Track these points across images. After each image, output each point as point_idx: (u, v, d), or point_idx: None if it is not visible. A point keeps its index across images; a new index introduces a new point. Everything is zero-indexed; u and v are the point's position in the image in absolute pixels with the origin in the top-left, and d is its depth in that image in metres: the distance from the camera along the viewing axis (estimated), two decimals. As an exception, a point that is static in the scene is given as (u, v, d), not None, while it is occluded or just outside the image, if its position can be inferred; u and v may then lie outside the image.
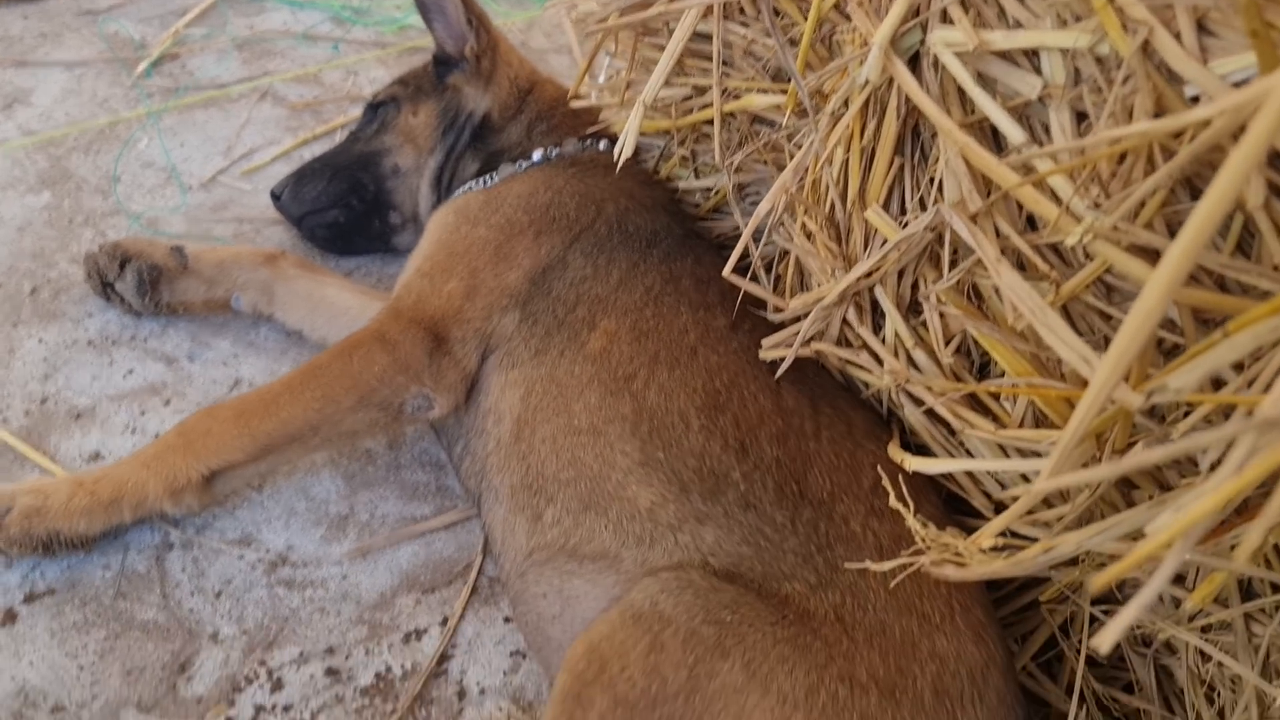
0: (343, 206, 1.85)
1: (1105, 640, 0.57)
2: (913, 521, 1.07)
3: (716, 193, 1.67)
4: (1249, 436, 0.59)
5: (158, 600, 1.41)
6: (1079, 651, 1.31)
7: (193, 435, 1.40)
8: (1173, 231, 0.97)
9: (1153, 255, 0.95)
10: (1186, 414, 1.02)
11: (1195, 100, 0.93)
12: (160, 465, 1.39)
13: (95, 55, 2.33)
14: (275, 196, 1.90)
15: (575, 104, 1.70)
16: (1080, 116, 1.03)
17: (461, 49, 1.81)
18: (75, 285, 1.79)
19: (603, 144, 1.70)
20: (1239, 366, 0.98)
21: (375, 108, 1.91)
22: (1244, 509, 0.98)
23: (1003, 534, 1.13)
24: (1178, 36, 0.91)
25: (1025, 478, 1.24)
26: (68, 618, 1.37)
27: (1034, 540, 1.11)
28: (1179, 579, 1.19)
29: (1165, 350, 1.04)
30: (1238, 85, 0.89)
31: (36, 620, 1.36)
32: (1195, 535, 0.59)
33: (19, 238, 1.87)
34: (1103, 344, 1.07)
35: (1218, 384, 1.01)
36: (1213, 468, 0.98)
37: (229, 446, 1.39)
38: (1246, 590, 1.17)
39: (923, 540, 1.06)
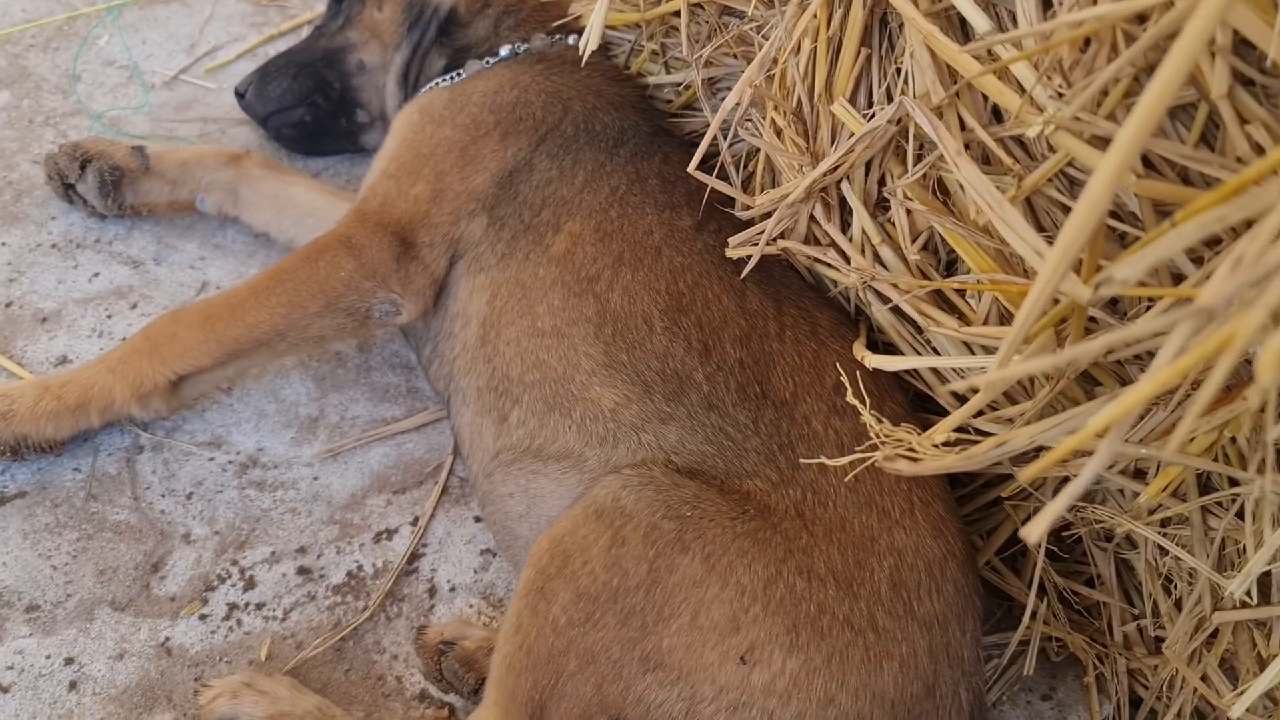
0: (308, 105, 1.81)
1: (1033, 532, 0.57)
2: (868, 416, 1.07)
3: (687, 88, 1.63)
4: (1185, 325, 0.58)
5: (129, 502, 1.42)
6: (1040, 546, 1.32)
7: (158, 339, 1.39)
8: (1137, 122, 0.95)
9: (1115, 146, 0.93)
10: (1149, 308, 1.01)
11: (1162, -16, 0.90)
12: (126, 369, 1.39)
13: (52, -51, 2.25)
14: (240, 95, 1.86)
15: (543, -2, 1.65)
16: (1047, 4, 1.00)
17: None
18: (38, 187, 1.77)
19: (571, 39, 1.65)
20: (1198, 260, 0.98)
21: (339, 0, 1.86)
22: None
23: (964, 430, 1.13)
24: (1146, -83, 0.88)
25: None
26: (39, 519, 1.38)
27: (993, 435, 1.11)
28: (1139, 474, 1.20)
29: (1127, 243, 1.03)
30: (1205, -32, 0.86)
31: (8, 522, 1.37)
32: (1126, 426, 0.59)
33: (-22, 139, 1.83)
34: (1064, 238, 1.06)
35: (1179, 278, 1.00)
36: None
37: (195, 351, 1.38)
38: (1205, 484, 1.17)
39: (876, 435, 1.06)
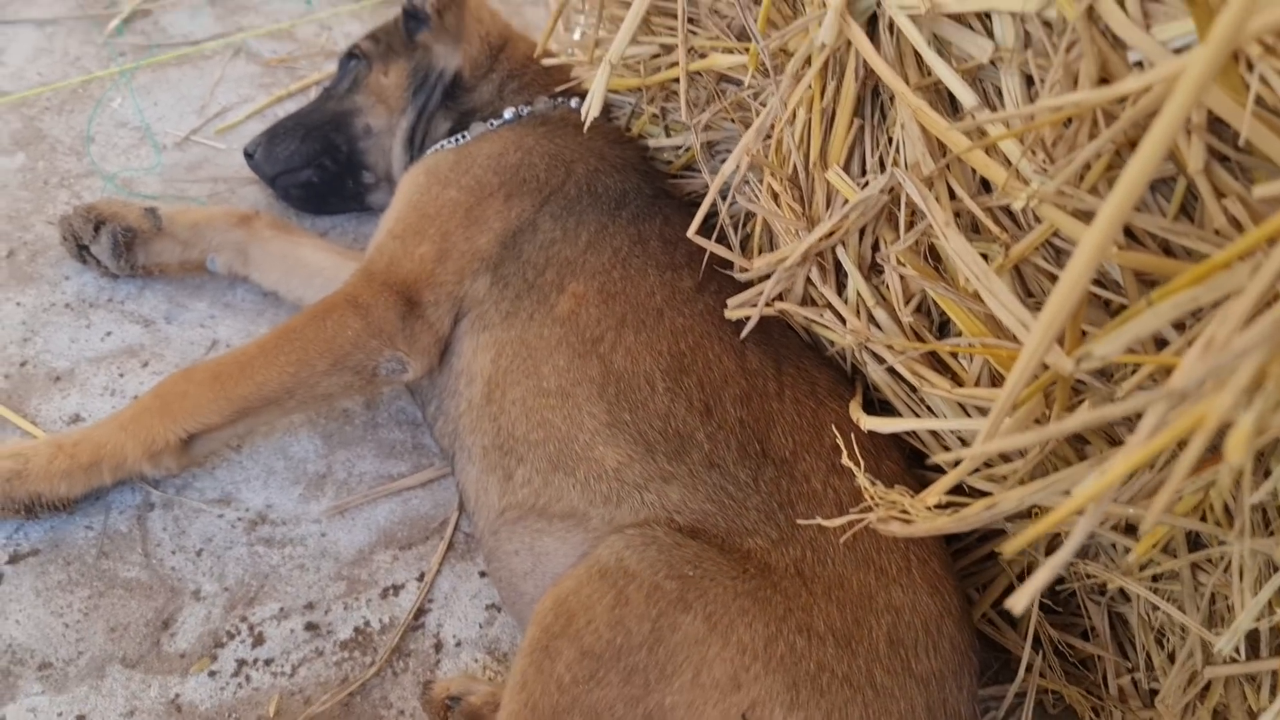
0: (316, 166, 1.86)
1: (1018, 603, 0.60)
2: (862, 479, 1.10)
3: (687, 150, 1.68)
4: (1159, 406, 0.61)
5: (140, 559, 1.44)
6: (1032, 605, 1.35)
7: (169, 398, 1.42)
8: (1119, 195, 0.99)
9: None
10: (1134, 371, 1.05)
11: (1139, 65, 0.94)
12: (138, 428, 1.41)
13: (66, 12, 2.31)
14: (249, 155, 1.90)
15: (546, 61, 1.70)
16: (1030, 80, 1.04)
17: (424, 3, 1.80)
18: (52, 248, 1.81)
19: (574, 102, 1.70)
20: (1180, 326, 1.01)
21: (348, 61, 1.91)
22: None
23: (958, 491, 1.16)
24: (1121, 2, 0.93)
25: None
26: (52, 577, 1.40)
27: (987, 494, 1.14)
28: (1130, 529, 1.23)
29: (1113, 311, 1.07)
30: (1179, 51, 0.91)
31: (22, 580, 1.39)
32: (1104, 504, 0.62)
33: (-6, 200, 1.88)
34: (1051, 305, 1.09)
35: (1163, 342, 1.03)
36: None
37: (205, 409, 1.41)
38: (1194, 541, 1.20)
39: (870, 497, 1.09)
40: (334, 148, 1.86)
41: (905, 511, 1.05)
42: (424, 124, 1.81)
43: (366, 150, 1.86)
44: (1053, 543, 1.33)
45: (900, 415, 1.38)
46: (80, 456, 1.40)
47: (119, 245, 1.71)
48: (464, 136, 1.70)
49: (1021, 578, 1.43)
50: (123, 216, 1.72)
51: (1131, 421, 1.13)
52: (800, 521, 1.22)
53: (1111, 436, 1.16)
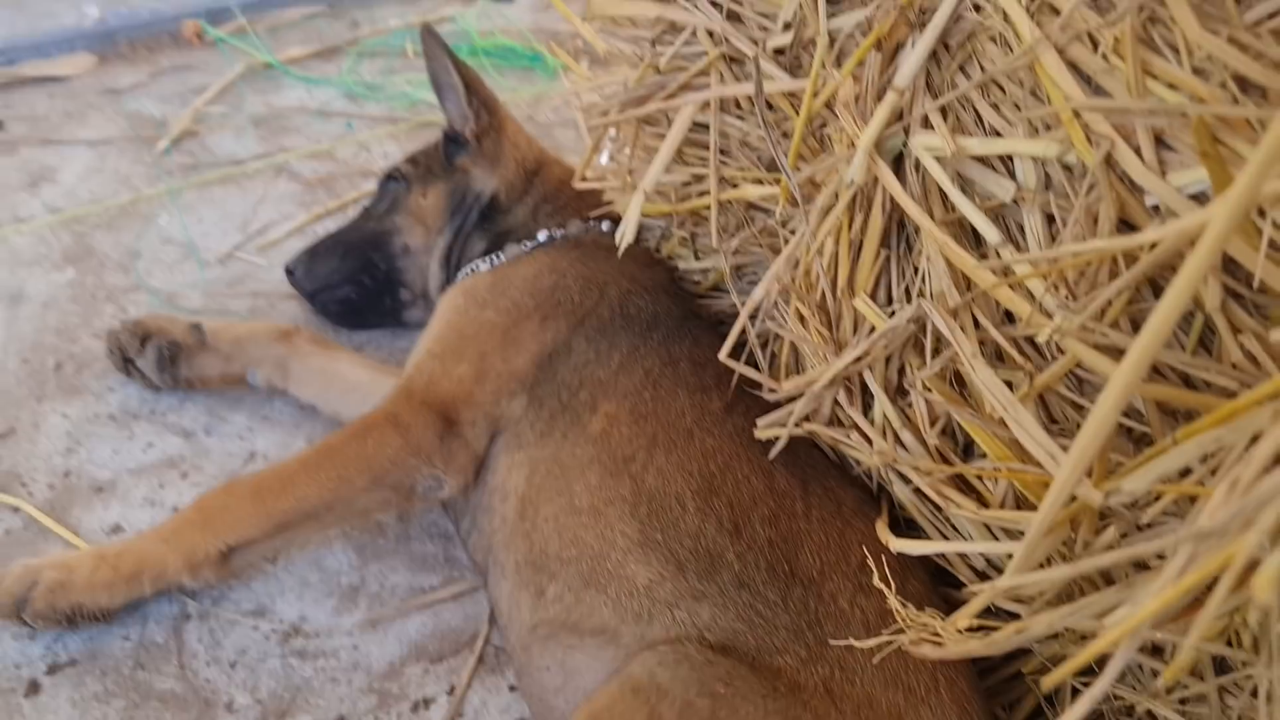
0: (354, 284, 1.93)
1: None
2: (893, 601, 1.12)
3: (715, 273, 1.73)
4: (1187, 545, 0.64)
5: (175, 670, 1.46)
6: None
7: (211, 511, 1.46)
8: (1137, 327, 1.03)
9: (1119, 351, 1.01)
10: (1158, 498, 1.08)
11: (1156, 209, 1.00)
12: (179, 540, 1.45)
13: (118, 133, 2.43)
14: (290, 272, 1.97)
15: (579, 185, 1.77)
16: (1051, 219, 1.10)
17: (465, 129, 1.89)
18: (97, 360, 1.87)
19: (605, 225, 1.77)
20: (1203, 457, 1.04)
21: (388, 182, 1.99)
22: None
23: (985, 611, 1.18)
24: (1138, 150, 0.98)
25: (1010, 556, 1.29)
26: (89, 688, 1.42)
27: (1015, 616, 1.16)
28: (1157, 651, 1.24)
29: (1135, 438, 1.10)
30: (1194, 198, 0.96)
31: (59, 691, 1.41)
32: (1139, 638, 0.65)
33: (44, 313, 1.94)
34: (1075, 433, 1.13)
35: (1186, 470, 1.06)
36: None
37: (246, 524, 1.45)
38: (1221, 664, 1.21)
39: (902, 619, 1.11)
40: (372, 266, 1.93)
41: (936, 633, 1.07)
42: (460, 244, 1.88)
43: (404, 269, 1.93)
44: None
45: (925, 534, 1.41)
46: (123, 568, 1.43)
47: (164, 359, 1.76)
48: (499, 257, 1.76)
49: (1049, 698, 1.43)
50: (168, 332, 1.78)
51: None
52: (832, 642, 1.23)
53: (1137, 560, 1.19)
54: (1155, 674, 1.27)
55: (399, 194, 1.95)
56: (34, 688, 1.41)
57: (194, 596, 1.54)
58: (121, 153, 2.37)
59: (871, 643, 1.17)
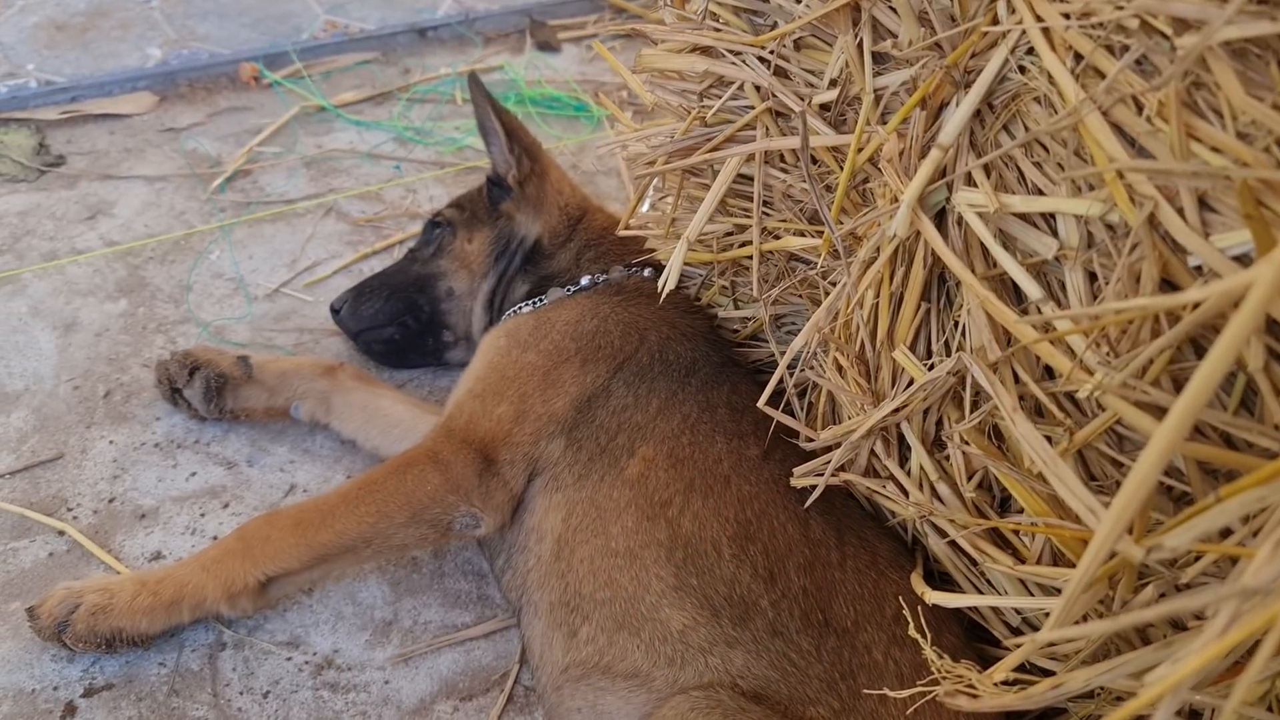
0: (398, 325, 1.96)
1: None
2: (929, 652, 1.12)
3: (754, 321, 1.75)
4: (1231, 603, 0.65)
5: (208, 699, 1.47)
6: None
7: (252, 541, 1.48)
8: (1178, 386, 1.04)
9: (1160, 409, 1.02)
10: (1197, 558, 1.07)
11: (1198, 270, 1.01)
12: (219, 569, 1.47)
13: (174, 170, 2.49)
14: (335, 311, 2.01)
15: (622, 233, 1.80)
16: (1093, 276, 1.10)
17: (508, 175, 1.93)
18: (146, 389, 1.91)
19: (647, 272, 1.79)
20: (1245, 516, 1.04)
21: (433, 227, 2.03)
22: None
23: (1020, 666, 1.17)
24: (1181, 211, 0.99)
25: (1046, 612, 1.28)
26: (123, 713, 1.44)
27: (1050, 672, 1.15)
28: (1195, 716, 1.23)
29: (1176, 498, 1.10)
30: (1237, 259, 0.97)
31: (94, 714, 1.43)
32: (1181, 695, 0.65)
33: (96, 342, 1.99)
34: (1114, 489, 1.13)
35: (1227, 529, 1.06)
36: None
37: (285, 554, 1.47)
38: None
39: (938, 671, 1.11)
40: (417, 308, 1.96)
41: (971, 686, 1.07)
42: (504, 287, 1.91)
43: (448, 311, 1.96)
44: None
45: (959, 587, 1.41)
46: (163, 594, 1.46)
47: (211, 390, 1.80)
48: (542, 300, 1.79)
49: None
50: (216, 363, 1.82)
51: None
52: (866, 691, 1.23)
53: (1174, 619, 1.18)
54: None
55: (444, 238, 1.98)
56: (70, 710, 1.43)
57: (230, 625, 1.56)
58: (177, 189, 2.43)
59: (906, 693, 1.17)
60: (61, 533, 1.65)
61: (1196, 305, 0.89)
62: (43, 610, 1.45)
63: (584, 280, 1.79)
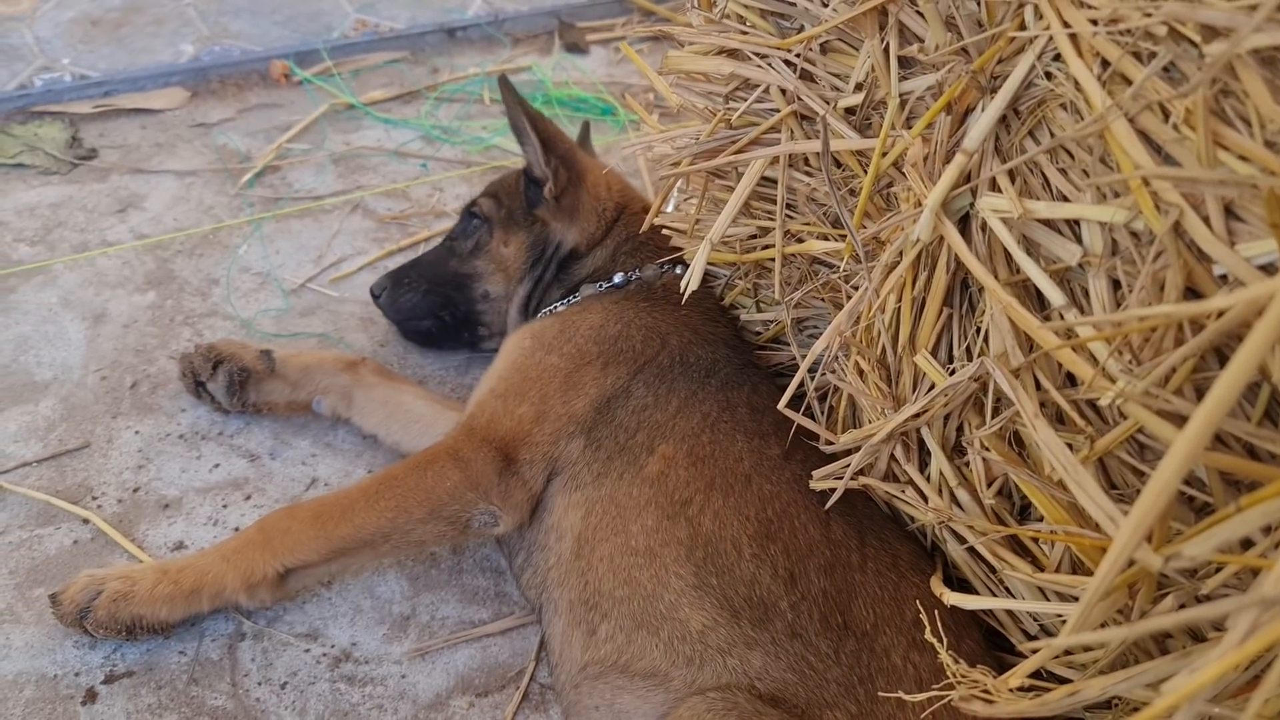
0: (435, 319, 1.99)
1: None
2: (945, 656, 1.12)
3: (776, 324, 1.75)
4: (1250, 613, 0.64)
5: (227, 688, 1.49)
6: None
7: (272, 533, 1.49)
8: (1201, 395, 1.03)
9: (1182, 418, 1.01)
10: (1218, 569, 1.06)
11: (1224, 278, 1.00)
12: (240, 559, 1.48)
13: (204, 165, 2.52)
14: (375, 295, 2.02)
15: (648, 229, 1.78)
16: (1116, 284, 1.10)
17: (544, 188, 1.92)
18: (172, 381, 1.93)
19: (678, 269, 1.79)
20: (1266, 528, 1.03)
21: (470, 217, 2.01)
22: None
23: (1036, 674, 1.17)
24: (1207, 219, 0.99)
25: (1063, 619, 1.28)
26: (143, 700, 1.45)
27: (1067, 680, 1.15)
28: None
29: (1197, 508, 1.10)
30: (1263, 268, 0.96)
31: (115, 701, 1.45)
32: (1198, 704, 0.65)
33: (124, 334, 2.02)
34: (1134, 498, 1.12)
35: (1248, 541, 1.05)
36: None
37: (305, 547, 1.48)
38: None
39: (954, 675, 1.10)
40: (453, 305, 1.98)
41: (987, 691, 1.06)
42: (539, 292, 1.91)
43: (484, 312, 1.98)
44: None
45: (978, 593, 1.40)
46: (183, 583, 1.47)
47: (234, 383, 1.82)
48: (574, 297, 1.80)
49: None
50: (240, 357, 1.84)
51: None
52: (883, 695, 1.23)
53: (1193, 630, 1.17)
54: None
55: (482, 237, 1.98)
56: (91, 696, 1.45)
57: (249, 616, 1.57)
58: (207, 184, 2.46)
59: (922, 696, 1.16)
60: (86, 521, 1.67)
61: (1221, 313, 0.89)
62: (65, 596, 1.47)
63: (617, 278, 1.79)
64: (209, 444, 1.84)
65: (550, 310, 1.81)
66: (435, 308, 2.00)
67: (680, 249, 1.79)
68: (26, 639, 1.50)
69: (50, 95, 2.66)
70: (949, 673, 1.13)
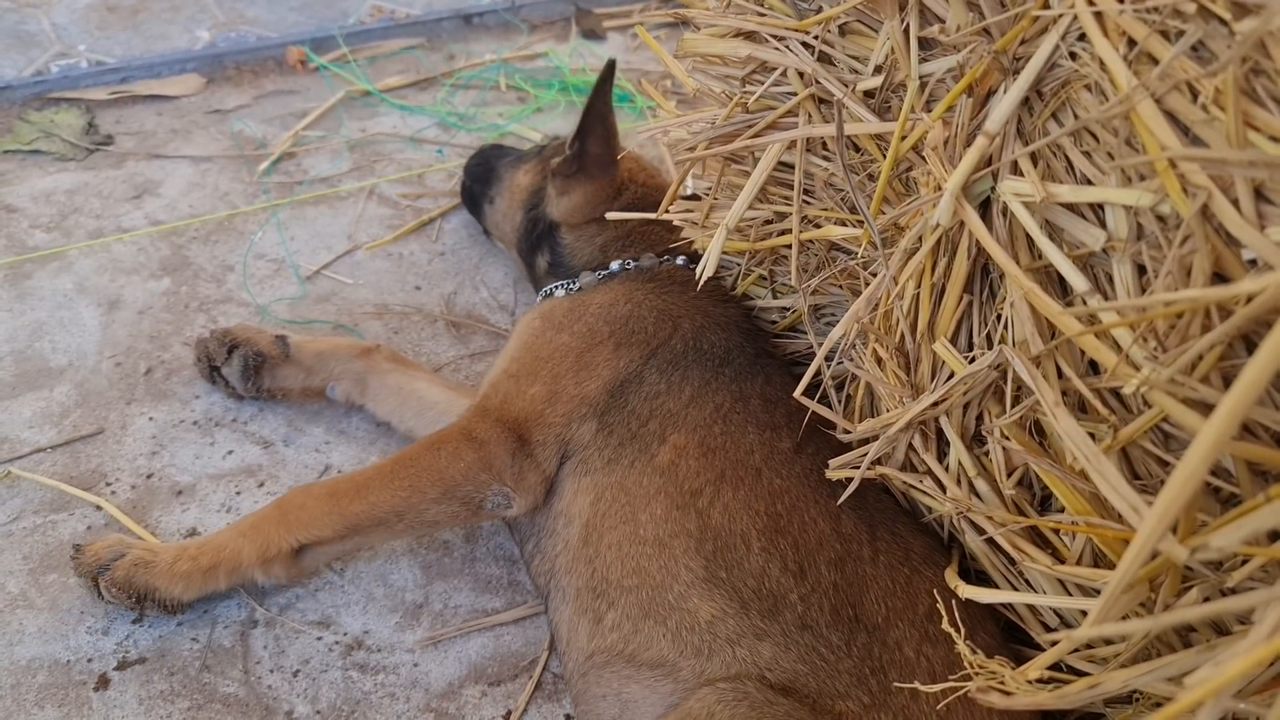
0: (469, 190, 2.25)
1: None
2: (962, 646, 1.10)
3: (792, 312, 1.73)
4: (1278, 605, 0.62)
5: (239, 675, 1.48)
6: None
7: (288, 509, 1.50)
8: (1229, 383, 1.00)
9: (1209, 407, 0.98)
10: (1244, 561, 1.04)
11: (1253, 263, 0.97)
12: (256, 534, 1.49)
13: (220, 152, 2.51)
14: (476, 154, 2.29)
15: (662, 216, 1.76)
16: (1141, 269, 1.07)
17: (555, 160, 1.91)
18: (186, 367, 1.92)
19: (680, 259, 1.77)
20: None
21: (540, 146, 2.15)
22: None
23: (1055, 667, 1.15)
24: (1236, 202, 0.96)
25: (1084, 613, 1.25)
26: (156, 686, 1.45)
27: (1086, 674, 1.12)
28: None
29: (1223, 499, 1.07)
30: (1293, 252, 0.93)
31: (127, 687, 1.44)
32: (1224, 700, 0.63)
33: (139, 320, 2.01)
34: (1159, 489, 1.10)
35: (1276, 533, 1.03)
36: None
37: (320, 523, 1.48)
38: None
39: (971, 666, 1.08)
40: (479, 186, 2.20)
41: (1004, 683, 1.04)
42: (528, 240, 1.99)
43: (485, 212, 2.20)
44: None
45: (996, 586, 1.38)
46: (201, 560, 1.47)
47: (249, 369, 1.81)
48: (573, 284, 1.79)
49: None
50: (255, 342, 1.83)
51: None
52: (897, 685, 1.21)
53: (1217, 623, 1.14)
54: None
55: (525, 156, 2.12)
56: (104, 682, 1.44)
57: (262, 603, 1.56)
58: (222, 170, 2.45)
59: (938, 687, 1.15)
60: (99, 507, 1.67)
61: (1250, 298, 0.86)
62: (90, 549, 1.49)
63: (614, 265, 1.78)
64: (223, 430, 1.83)
65: (550, 291, 1.81)
66: (474, 179, 2.22)
67: (681, 242, 1.77)
68: (40, 624, 1.50)
69: (66, 82, 2.65)
70: (966, 663, 1.11)
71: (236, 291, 2.12)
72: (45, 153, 2.43)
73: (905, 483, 1.40)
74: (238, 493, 1.73)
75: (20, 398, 1.84)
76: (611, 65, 1.80)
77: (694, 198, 1.80)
